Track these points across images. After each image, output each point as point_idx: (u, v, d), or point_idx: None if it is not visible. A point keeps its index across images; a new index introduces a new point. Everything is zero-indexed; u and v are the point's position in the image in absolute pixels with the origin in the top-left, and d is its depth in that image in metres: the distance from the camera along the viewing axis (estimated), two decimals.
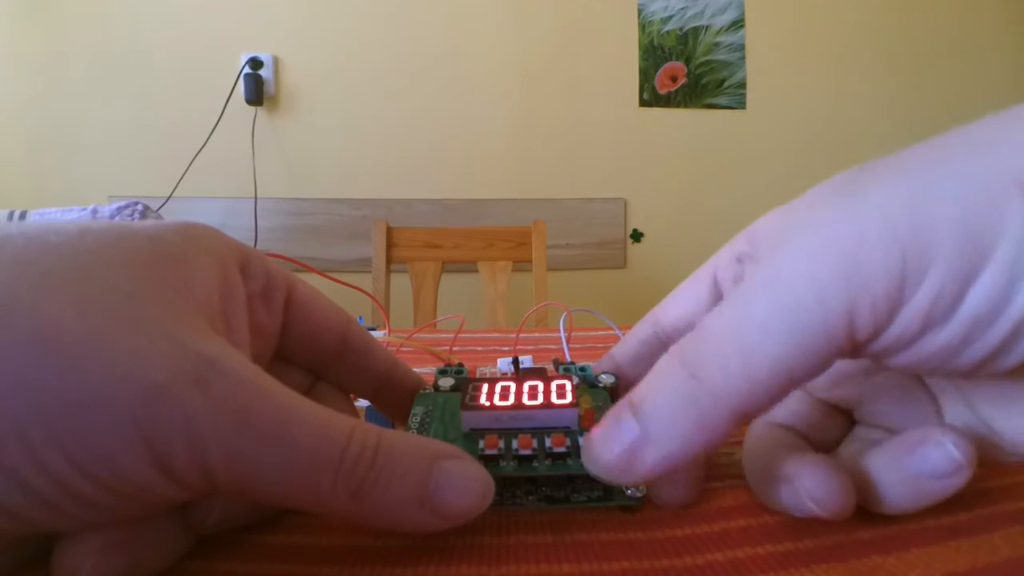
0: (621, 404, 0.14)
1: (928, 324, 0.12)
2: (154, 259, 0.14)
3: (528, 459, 0.17)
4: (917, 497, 0.15)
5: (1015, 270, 0.11)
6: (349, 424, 0.14)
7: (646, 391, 0.14)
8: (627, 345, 0.23)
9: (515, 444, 0.17)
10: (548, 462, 0.17)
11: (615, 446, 0.14)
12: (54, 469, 0.11)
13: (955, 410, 0.16)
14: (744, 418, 0.13)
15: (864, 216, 0.12)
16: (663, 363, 0.14)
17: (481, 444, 0.17)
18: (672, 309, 0.22)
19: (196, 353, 0.13)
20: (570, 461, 0.17)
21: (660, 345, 0.22)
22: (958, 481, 0.14)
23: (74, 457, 0.11)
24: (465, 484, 0.14)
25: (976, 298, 0.11)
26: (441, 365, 0.43)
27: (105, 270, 0.13)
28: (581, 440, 0.16)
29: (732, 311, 0.13)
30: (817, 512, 0.15)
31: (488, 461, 0.17)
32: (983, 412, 0.15)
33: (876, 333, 0.12)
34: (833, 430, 0.19)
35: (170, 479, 0.12)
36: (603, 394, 0.21)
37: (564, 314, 0.44)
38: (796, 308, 0.12)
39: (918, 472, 0.15)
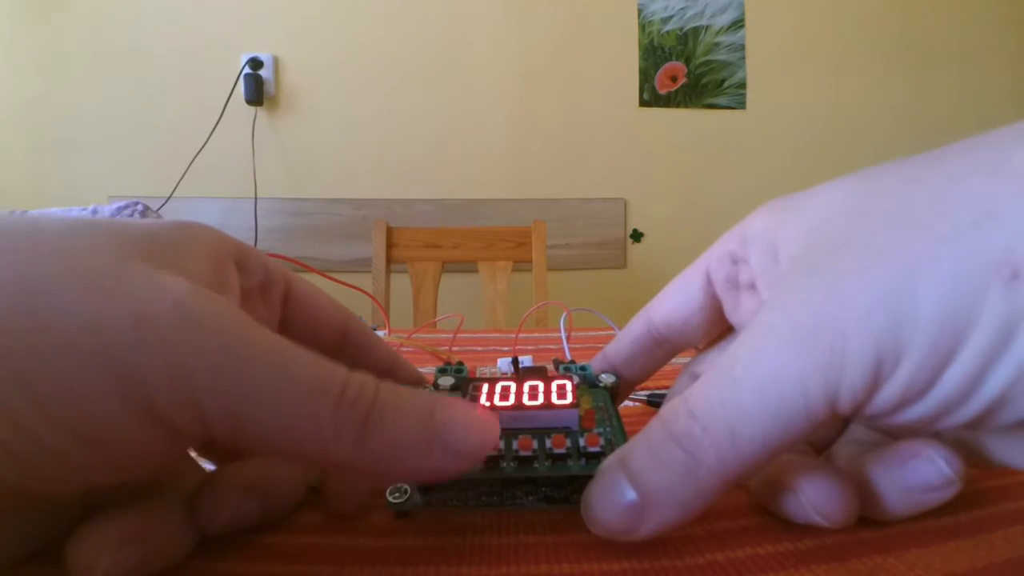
0: (616, 468, 0.15)
1: (904, 403, 0.13)
2: (146, 240, 0.13)
3: (528, 460, 0.17)
4: (909, 506, 0.15)
5: (988, 355, 0.11)
6: (345, 369, 0.13)
7: (642, 463, 0.15)
8: (620, 344, 0.23)
9: (515, 445, 0.17)
10: (548, 463, 0.17)
11: (615, 510, 0.14)
12: (18, 413, 0.10)
13: None
14: (737, 483, 0.14)
15: (844, 311, 0.13)
16: (656, 437, 0.15)
17: None
18: (663, 307, 0.22)
19: (180, 289, 0.12)
20: (570, 462, 0.17)
21: (653, 343, 0.22)
22: (948, 494, 0.15)
23: (42, 399, 0.10)
24: (469, 421, 0.14)
25: (949, 382, 0.12)
26: (441, 365, 0.43)
27: (91, 231, 0.13)
28: (582, 445, 0.16)
29: (720, 393, 0.14)
30: (821, 523, 0.15)
31: (488, 462, 0.17)
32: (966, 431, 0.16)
33: (856, 411, 0.13)
34: (828, 428, 0.19)
35: (156, 423, 0.11)
36: (603, 394, 0.21)
37: (564, 314, 0.44)
38: (784, 400, 0.13)
39: (910, 485, 0.15)
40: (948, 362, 0.12)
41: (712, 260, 0.20)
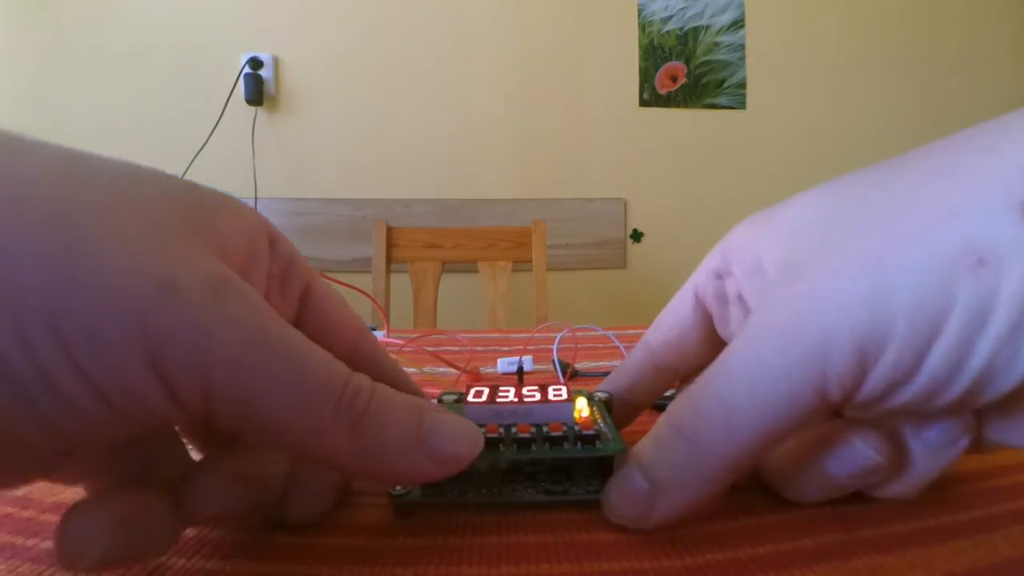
0: (630, 462, 0.17)
1: (894, 386, 0.14)
2: (189, 203, 0.14)
3: (527, 442, 0.18)
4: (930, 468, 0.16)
5: (967, 334, 0.13)
6: (346, 367, 0.14)
7: (651, 456, 0.16)
8: (622, 372, 0.24)
9: (514, 430, 0.18)
10: (546, 446, 0.18)
11: (630, 500, 0.16)
12: (40, 351, 0.10)
13: None
14: (740, 471, 0.15)
15: (824, 309, 0.14)
16: (663, 431, 0.16)
17: (482, 429, 0.18)
18: (659, 331, 0.23)
19: (215, 270, 0.13)
20: (567, 445, 0.18)
21: (653, 368, 0.23)
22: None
23: (66, 340, 0.10)
24: (455, 431, 0.15)
25: (934, 361, 0.13)
26: (442, 365, 0.43)
27: (137, 186, 0.13)
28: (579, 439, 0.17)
29: (716, 389, 0.15)
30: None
31: (489, 445, 0.17)
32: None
33: (846, 400, 0.14)
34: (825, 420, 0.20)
35: (165, 388, 0.11)
36: (600, 404, 0.22)
37: (560, 334, 0.44)
38: (772, 391, 0.14)
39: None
40: (930, 345, 0.13)
41: (699, 279, 0.21)
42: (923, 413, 0.15)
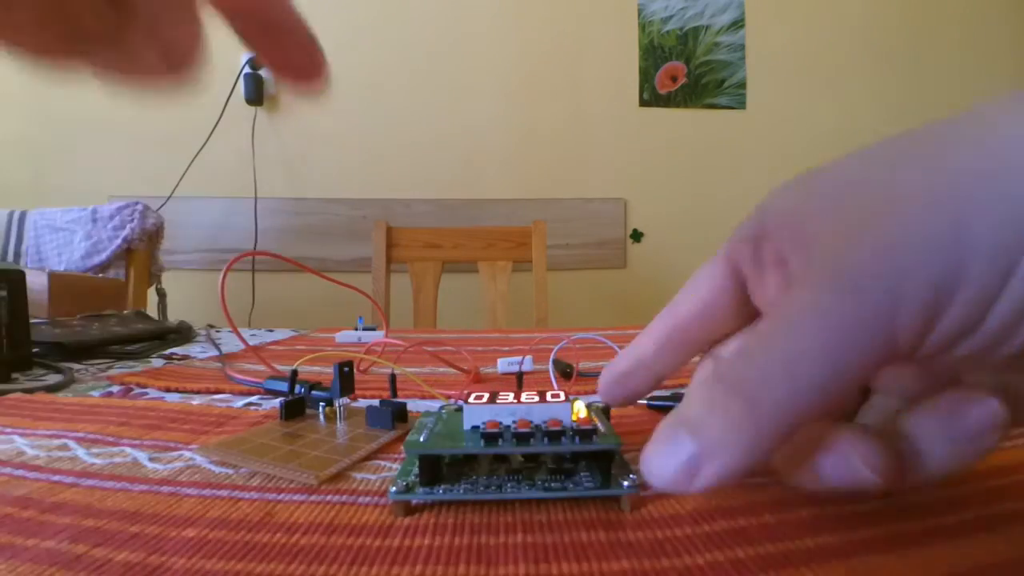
0: (672, 423, 0.15)
1: (962, 334, 0.13)
2: None
3: (526, 437, 0.18)
4: (953, 459, 0.16)
5: None
6: None
7: (699, 414, 0.15)
8: (647, 340, 0.22)
9: (514, 426, 0.18)
10: (545, 440, 0.18)
11: (673, 462, 0.15)
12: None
13: (977, 376, 0.16)
14: (794, 431, 0.14)
15: (897, 253, 0.13)
16: (712, 388, 0.15)
17: (482, 426, 0.18)
18: (688, 298, 0.21)
19: None
20: (565, 439, 0.18)
21: (680, 338, 0.22)
22: (993, 441, 0.15)
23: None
24: None
25: (1003, 307, 0.13)
26: (443, 365, 0.43)
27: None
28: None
29: (777, 340, 0.14)
30: (869, 480, 0.15)
31: (488, 439, 0.18)
32: (1005, 377, 0.16)
33: (913, 351, 0.14)
34: (848, 400, 0.19)
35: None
36: (598, 410, 0.23)
37: (558, 345, 0.44)
38: (840, 340, 0.14)
39: (958, 433, 0.15)
40: (1002, 288, 0.13)
41: (733, 245, 0.20)
42: (977, 368, 0.15)
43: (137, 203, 1.10)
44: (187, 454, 0.23)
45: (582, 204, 1.48)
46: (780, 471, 0.18)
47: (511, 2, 1.45)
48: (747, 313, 0.21)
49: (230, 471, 0.21)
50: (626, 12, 1.49)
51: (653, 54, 1.49)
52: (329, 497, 0.19)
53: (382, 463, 0.22)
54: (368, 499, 0.19)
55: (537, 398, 0.19)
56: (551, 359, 0.38)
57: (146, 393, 0.35)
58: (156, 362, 0.46)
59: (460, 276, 1.23)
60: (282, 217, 1.41)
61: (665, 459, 0.15)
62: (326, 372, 0.40)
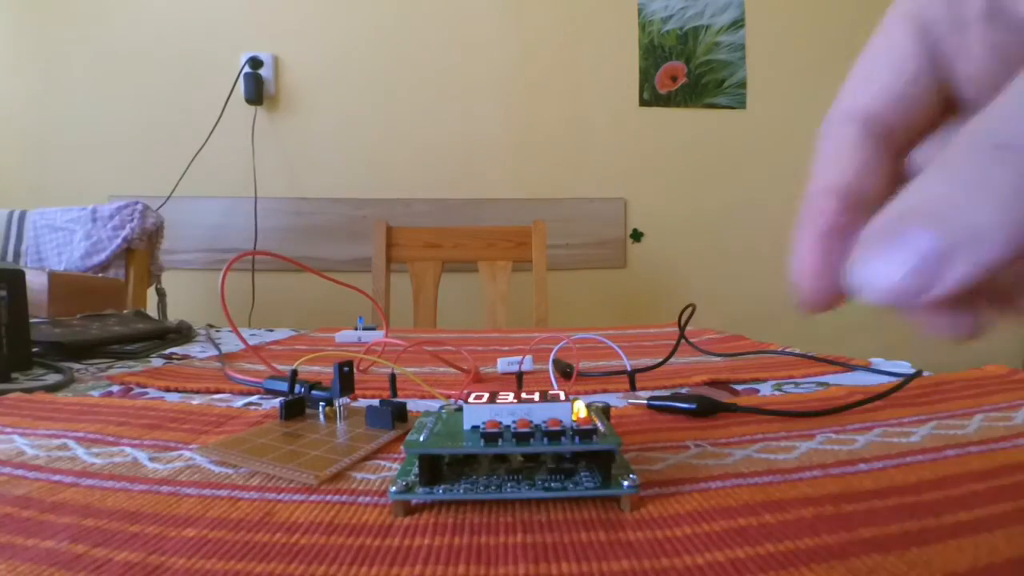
0: (892, 219, 0.12)
1: None
2: None
3: (526, 437, 0.18)
4: None
5: None
6: None
7: (941, 193, 0.11)
8: (837, 161, 0.16)
9: (514, 425, 0.19)
10: (545, 440, 0.18)
11: (902, 263, 0.11)
12: None
13: None
14: None
15: None
16: (965, 153, 0.11)
17: (482, 426, 0.18)
18: (869, 88, 0.16)
19: None
20: (565, 439, 0.18)
21: (876, 144, 0.16)
22: None
23: None
24: None
25: None
26: (443, 365, 0.43)
27: None
28: None
29: None
30: None
31: (488, 439, 0.18)
32: None
33: None
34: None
35: None
36: (598, 410, 0.23)
37: (557, 345, 0.44)
38: None
39: None
40: None
41: (918, 5, 0.15)
42: None
43: (137, 203, 1.10)
44: (187, 454, 0.23)
45: (582, 204, 1.48)
46: (1012, 294, 0.14)
47: (511, 2, 1.45)
48: (943, 94, 0.16)
49: (230, 471, 0.21)
50: (626, 12, 1.49)
51: (653, 54, 1.49)
52: (329, 497, 0.19)
53: (382, 463, 0.22)
54: (368, 499, 0.19)
55: (538, 396, 0.20)
56: (551, 359, 0.38)
57: (146, 393, 0.35)
58: (156, 362, 0.46)
59: (460, 276, 1.23)
60: (282, 217, 1.41)
61: (886, 264, 0.11)
62: (326, 372, 0.40)
